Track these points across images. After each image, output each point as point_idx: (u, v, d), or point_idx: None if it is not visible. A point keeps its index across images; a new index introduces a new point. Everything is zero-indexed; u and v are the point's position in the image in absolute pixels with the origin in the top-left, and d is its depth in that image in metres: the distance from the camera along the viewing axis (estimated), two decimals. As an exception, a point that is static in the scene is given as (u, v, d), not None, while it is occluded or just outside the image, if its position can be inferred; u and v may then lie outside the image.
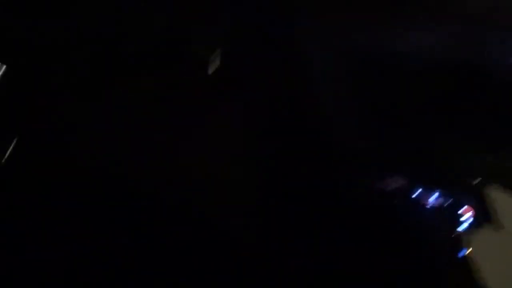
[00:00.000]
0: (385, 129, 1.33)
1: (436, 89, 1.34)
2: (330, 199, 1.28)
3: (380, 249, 1.30)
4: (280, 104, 1.31)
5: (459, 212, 1.34)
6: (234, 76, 1.31)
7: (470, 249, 1.32)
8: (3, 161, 1.21)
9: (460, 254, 1.32)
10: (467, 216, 1.34)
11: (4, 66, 1.23)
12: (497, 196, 1.33)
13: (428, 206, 1.33)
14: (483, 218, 1.34)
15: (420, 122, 1.35)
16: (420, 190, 1.34)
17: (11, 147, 1.22)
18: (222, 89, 1.30)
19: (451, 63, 1.34)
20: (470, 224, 1.34)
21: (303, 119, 1.31)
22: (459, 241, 1.32)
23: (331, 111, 1.31)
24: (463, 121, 1.36)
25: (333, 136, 1.31)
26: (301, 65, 1.32)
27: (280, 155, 1.28)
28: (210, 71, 1.28)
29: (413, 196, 1.33)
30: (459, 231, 1.33)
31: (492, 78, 1.34)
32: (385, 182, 1.32)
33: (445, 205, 1.34)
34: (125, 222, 1.22)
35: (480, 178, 1.34)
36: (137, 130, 1.27)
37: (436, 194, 1.34)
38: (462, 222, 1.34)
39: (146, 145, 1.27)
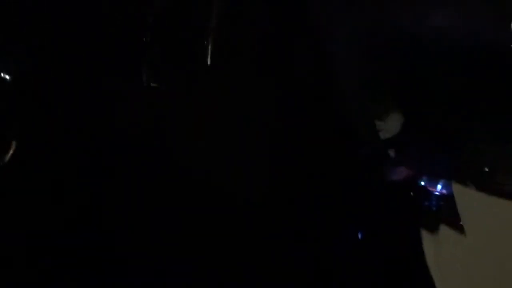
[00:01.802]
0: (395, 115, 1.39)
1: (453, 75, 1.33)
2: (334, 186, 1.41)
3: (385, 237, 1.38)
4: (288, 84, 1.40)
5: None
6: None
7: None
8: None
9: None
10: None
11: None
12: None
13: (434, 195, 1.37)
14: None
15: (431, 109, 1.36)
16: (426, 179, 1.38)
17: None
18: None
19: (469, 47, 1.31)
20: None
21: (311, 100, 1.40)
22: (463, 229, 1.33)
23: (339, 93, 1.41)
24: (477, 110, 1.33)
25: (341, 119, 1.40)
26: (312, 43, 1.40)
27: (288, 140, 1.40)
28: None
29: (419, 185, 1.38)
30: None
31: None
32: (391, 172, 1.40)
33: (451, 194, 1.35)
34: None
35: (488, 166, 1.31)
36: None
37: (442, 183, 1.36)
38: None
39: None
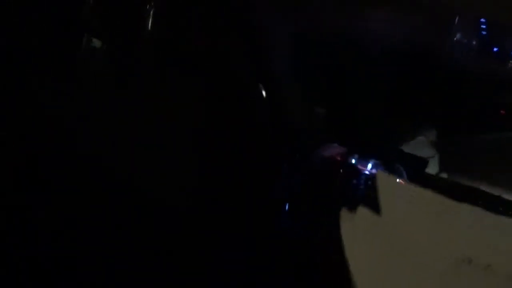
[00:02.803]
0: (328, 97, 1.43)
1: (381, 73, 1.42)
2: (268, 165, 1.39)
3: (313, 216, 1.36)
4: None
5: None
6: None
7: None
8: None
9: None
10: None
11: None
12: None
13: (364, 174, 1.39)
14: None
15: (365, 93, 1.43)
16: (356, 158, 1.40)
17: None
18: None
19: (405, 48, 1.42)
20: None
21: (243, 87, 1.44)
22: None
23: (277, 76, 1.44)
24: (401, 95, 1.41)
25: (276, 105, 1.43)
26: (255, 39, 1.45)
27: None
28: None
29: (350, 163, 1.40)
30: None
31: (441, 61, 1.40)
32: (323, 149, 1.41)
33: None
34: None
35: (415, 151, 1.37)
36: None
37: (372, 163, 1.39)
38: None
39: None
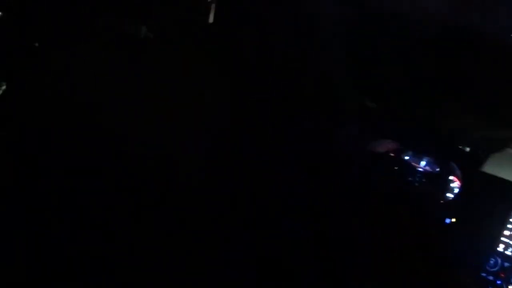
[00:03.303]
0: (381, 91, 1.40)
1: (436, 55, 1.35)
2: (322, 159, 1.40)
3: (366, 212, 1.37)
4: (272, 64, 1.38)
5: (447, 179, 1.35)
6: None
7: (454, 218, 1.33)
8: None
9: (444, 220, 1.33)
10: (454, 184, 1.34)
11: None
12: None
13: (417, 170, 1.37)
14: (471, 187, 1.32)
15: (417, 87, 1.38)
16: (410, 154, 1.38)
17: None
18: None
19: (455, 29, 1.34)
20: (457, 193, 1.34)
21: (297, 76, 1.42)
22: (444, 208, 1.34)
23: (327, 70, 1.41)
24: (461, 89, 1.35)
25: (327, 96, 1.41)
26: (298, 20, 1.42)
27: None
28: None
29: (403, 159, 1.38)
30: (445, 199, 1.34)
31: (494, 46, 1.31)
32: (376, 144, 1.40)
33: (434, 172, 1.36)
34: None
35: (472, 148, 1.33)
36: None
37: (426, 160, 1.37)
38: (449, 191, 1.34)
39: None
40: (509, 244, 1.32)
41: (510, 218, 1.32)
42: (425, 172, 1.36)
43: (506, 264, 1.31)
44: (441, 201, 1.35)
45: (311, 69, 1.36)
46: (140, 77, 1.30)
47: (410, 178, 1.37)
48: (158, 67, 1.32)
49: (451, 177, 1.35)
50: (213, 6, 1.39)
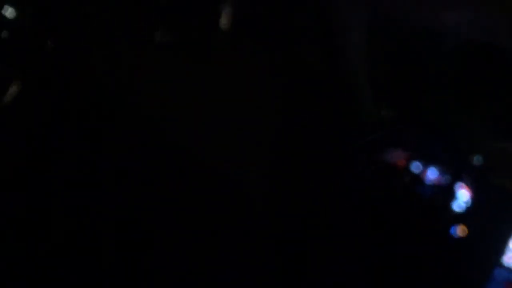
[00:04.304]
0: (391, 100, 1.40)
1: (450, 66, 1.36)
2: (330, 167, 1.38)
3: (374, 221, 1.36)
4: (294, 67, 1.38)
5: (456, 190, 1.35)
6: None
7: (463, 228, 1.33)
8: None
9: (452, 232, 1.34)
10: (464, 195, 1.35)
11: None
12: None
13: (425, 181, 1.37)
14: (480, 199, 1.34)
15: (428, 96, 1.38)
16: (418, 164, 1.38)
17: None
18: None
19: (474, 42, 1.35)
20: (466, 204, 1.34)
21: (315, 83, 1.41)
22: (452, 220, 1.34)
23: (342, 77, 1.40)
24: (473, 99, 1.37)
25: (340, 102, 1.39)
26: (322, 29, 1.39)
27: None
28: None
29: (411, 169, 1.38)
30: (454, 210, 1.35)
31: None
32: (385, 153, 1.39)
33: (443, 182, 1.36)
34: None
35: (482, 159, 1.34)
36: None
37: (435, 170, 1.37)
38: (458, 201, 1.35)
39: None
40: (515, 256, 1.34)
41: (517, 230, 1.34)
42: (434, 183, 1.37)
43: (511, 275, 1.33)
44: (450, 212, 1.35)
45: (332, 76, 1.35)
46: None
47: (418, 189, 1.37)
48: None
49: (461, 188, 1.35)
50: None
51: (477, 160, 1.34)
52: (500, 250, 1.34)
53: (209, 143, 1.33)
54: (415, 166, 1.37)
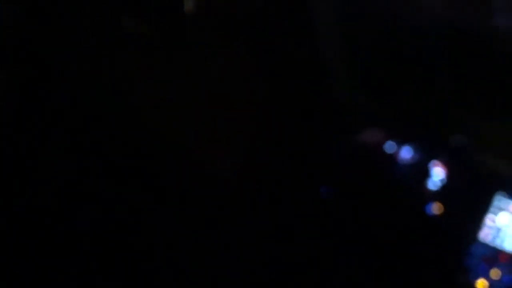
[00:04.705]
0: (369, 81, 1.39)
1: (431, 47, 1.36)
2: (310, 150, 1.38)
3: (348, 201, 1.36)
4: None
5: (431, 168, 1.35)
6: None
7: (439, 205, 1.34)
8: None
9: (428, 210, 1.34)
10: (438, 173, 1.35)
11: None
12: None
13: (399, 161, 1.37)
14: (456, 176, 1.34)
15: (406, 76, 1.38)
16: (393, 144, 1.38)
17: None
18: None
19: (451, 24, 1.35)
20: (442, 182, 1.34)
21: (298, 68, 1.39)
22: (426, 196, 1.34)
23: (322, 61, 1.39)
24: (451, 79, 1.36)
25: (321, 87, 1.39)
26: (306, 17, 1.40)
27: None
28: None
29: (385, 149, 1.38)
30: (429, 188, 1.35)
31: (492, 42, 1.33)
32: (359, 134, 1.39)
33: (417, 160, 1.36)
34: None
35: (463, 137, 1.34)
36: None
37: (409, 149, 1.37)
38: (432, 179, 1.35)
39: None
40: (491, 231, 1.34)
41: (492, 205, 1.34)
42: (408, 162, 1.37)
43: (488, 251, 1.33)
44: (424, 191, 1.35)
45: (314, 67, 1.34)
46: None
47: (392, 169, 1.37)
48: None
49: (435, 166, 1.35)
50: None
51: (457, 138, 1.34)
52: (477, 226, 1.34)
53: (193, 139, 1.34)
54: (389, 146, 1.37)
